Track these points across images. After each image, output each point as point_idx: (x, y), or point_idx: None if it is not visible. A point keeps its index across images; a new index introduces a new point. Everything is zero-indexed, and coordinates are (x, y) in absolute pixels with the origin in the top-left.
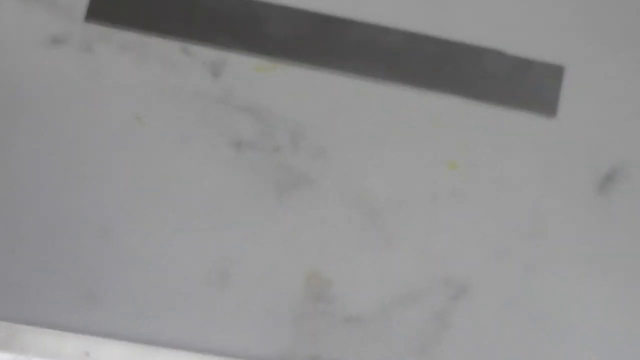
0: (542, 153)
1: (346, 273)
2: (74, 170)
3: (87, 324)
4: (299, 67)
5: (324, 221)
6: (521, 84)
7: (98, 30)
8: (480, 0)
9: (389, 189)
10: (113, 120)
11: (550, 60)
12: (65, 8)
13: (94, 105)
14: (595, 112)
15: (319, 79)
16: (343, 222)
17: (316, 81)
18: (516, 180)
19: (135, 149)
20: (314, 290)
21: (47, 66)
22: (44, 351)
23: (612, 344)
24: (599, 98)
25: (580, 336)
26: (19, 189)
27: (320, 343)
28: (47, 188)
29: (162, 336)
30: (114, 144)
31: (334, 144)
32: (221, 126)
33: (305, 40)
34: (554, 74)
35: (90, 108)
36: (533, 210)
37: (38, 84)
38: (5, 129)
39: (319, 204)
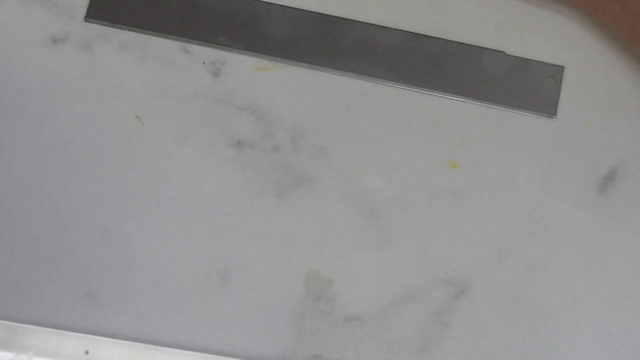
0: (542, 153)
1: (346, 273)
2: (74, 170)
3: (87, 323)
4: (299, 67)
5: (324, 221)
6: (521, 84)
7: (98, 29)
8: (480, 0)
9: (389, 189)
10: (113, 120)
11: (550, 60)
12: (65, 8)
13: (94, 104)
14: (596, 112)
15: (319, 79)
16: (343, 222)
17: (316, 81)
18: (516, 180)
19: (135, 149)
20: (314, 290)
21: (47, 66)
22: (44, 350)
23: (612, 344)
24: (599, 98)
25: (580, 336)
26: (18, 189)
27: (320, 343)
28: (47, 188)
29: (162, 336)
30: (113, 143)
31: (334, 144)
32: (221, 126)
33: (305, 40)
34: (554, 74)
35: (90, 108)
36: (533, 210)
37: (38, 84)
38: (5, 129)
39: (318, 203)
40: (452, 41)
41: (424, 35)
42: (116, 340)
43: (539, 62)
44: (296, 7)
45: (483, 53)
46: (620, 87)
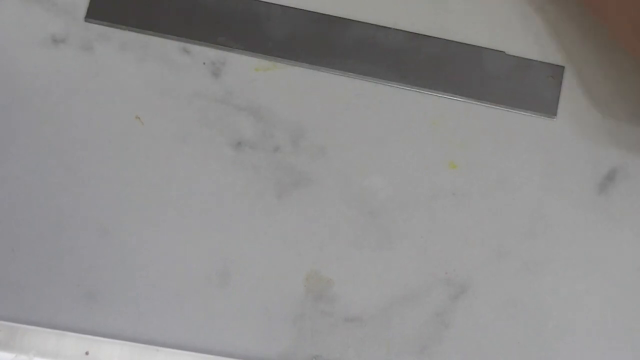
0: (542, 153)
1: (346, 273)
2: (74, 170)
3: (87, 323)
4: (299, 67)
5: (324, 221)
6: (521, 84)
7: (98, 30)
8: (480, 0)
9: (389, 189)
10: (113, 120)
11: (550, 60)
12: (65, 8)
13: (94, 105)
14: (595, 112)
15: (319, 79)
16: (343, 222)
17: (316, 81)
18: (516, 180)
19: (135, 149)
20: (314, 290)
21: (47, 66)
22: (44, 351)
23: (612, 344)
24: (599, 98)
25: (580, 336)
26: (18, 189)
27: (320, 343)
28: (46, 188)
29: (162, 336)
30: (113, 143)
31: (334, 144)
32: (221, 126)
33: (305, 40)
34: (554, 74)
35: (90, 108)
36: (533, 210)
37: (38, 84)
38: (5, 129)
39: (318, 203)
40: (452, 41)
41: (424, 35)
42: (116, 341)
43: (539, 62)
44: (296, 7)
45: (483, 53)
46: (620, 87)
